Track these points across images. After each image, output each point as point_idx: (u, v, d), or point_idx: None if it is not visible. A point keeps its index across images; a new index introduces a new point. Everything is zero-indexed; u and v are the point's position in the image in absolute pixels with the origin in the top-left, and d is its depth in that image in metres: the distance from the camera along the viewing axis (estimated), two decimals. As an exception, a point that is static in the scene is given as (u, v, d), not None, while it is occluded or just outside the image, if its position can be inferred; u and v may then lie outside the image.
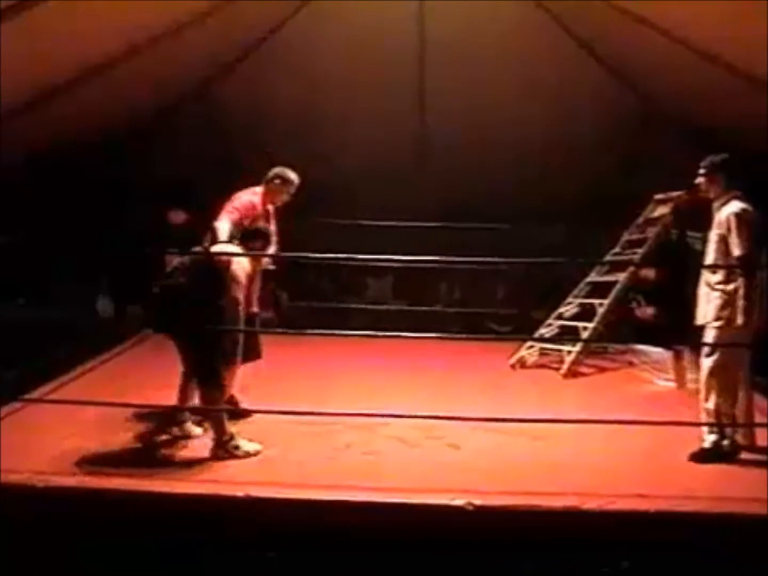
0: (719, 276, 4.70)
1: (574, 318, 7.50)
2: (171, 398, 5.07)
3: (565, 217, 8.48)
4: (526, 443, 4.99)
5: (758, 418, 5.07)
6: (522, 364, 7.34)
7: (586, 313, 7.42)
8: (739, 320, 4.59)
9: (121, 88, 7.28)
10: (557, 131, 8.87)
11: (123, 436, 5.01)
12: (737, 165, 4.80)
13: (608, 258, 7.78)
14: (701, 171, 4.85)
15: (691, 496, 4.16)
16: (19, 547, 4.05)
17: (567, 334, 7.39)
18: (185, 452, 4.79)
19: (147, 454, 4.74)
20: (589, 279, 7.82)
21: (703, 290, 4.81)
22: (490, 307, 8.95)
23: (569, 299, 7.74)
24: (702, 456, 4.70)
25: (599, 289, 7.60)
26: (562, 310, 7.67)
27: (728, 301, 4.64)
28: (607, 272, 7.77)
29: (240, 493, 4.12)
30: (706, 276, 4.79)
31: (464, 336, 7.91)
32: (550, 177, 8.96)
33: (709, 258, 4.79)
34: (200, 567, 4.10)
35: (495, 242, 7.93)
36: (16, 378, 5.96)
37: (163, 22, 6.71)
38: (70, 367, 6.63)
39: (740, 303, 4.57)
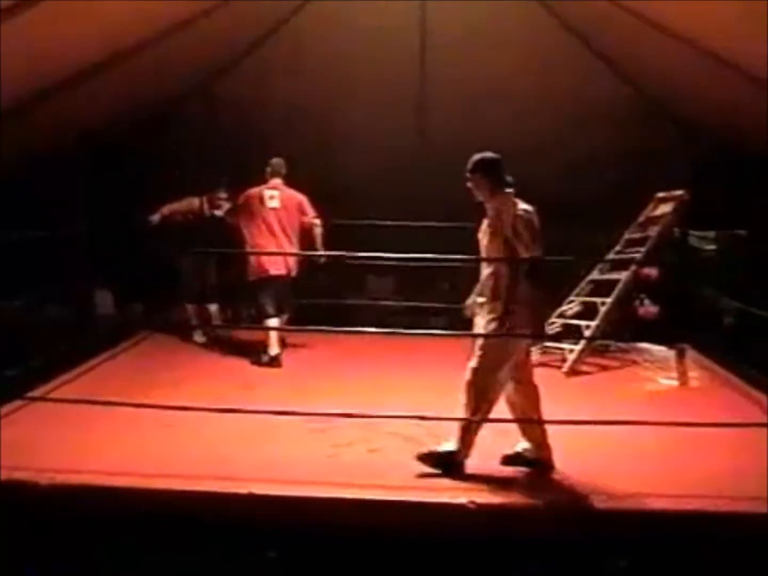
0: (490, 280, 4.56)
1: (576, 316, 7.50)
2: (173, 396, 5.07)
3: (566, 214, 8.46)
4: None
5: (759, 417, 5.07)
6: (524, 362, 7.31)
7: (588, 311, 7.41)
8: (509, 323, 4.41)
9: (122, 87, 7.28)
10: (558, 130, 8.86)
11: (126, 434, 5.02)
12: (500, 163, 4.59)
13: (610, 257, 7.77)
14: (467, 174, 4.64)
15: (692, 494, 4.15)
16: (23, 544, 4.06)
17: (569, 333, 7.38)
18: (188, 450, 4.80)
19: (150, 452, 4.75)
20: (591, 277, 7.81)
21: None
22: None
23: (571, 297, 7.74)
24: (428, 458, 4.48)
25: (601, 288, 7.59)
26: (564, 308, 7.66)
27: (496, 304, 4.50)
28: (609, 271, 7.77)
29: (243, 491, 4.13)
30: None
31: (466, 333, 7.89)
32: (551, 175, 8.94)
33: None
34: (202, 565, 4.11)
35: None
36: (19, 376, 5.96)
37: (164, 20, 6.70)
38: (72, 366, 6.64)
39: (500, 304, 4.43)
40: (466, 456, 4.48)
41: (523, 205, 4.54)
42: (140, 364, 7.12)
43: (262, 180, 7.29)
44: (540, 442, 4.60)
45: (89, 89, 6.83)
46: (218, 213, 7.87)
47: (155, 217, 7.88)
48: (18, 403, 5.36)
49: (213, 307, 8.16)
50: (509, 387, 4.57)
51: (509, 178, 4.60)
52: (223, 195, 7.90)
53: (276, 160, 7.33)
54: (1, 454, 4.31)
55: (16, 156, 7.15)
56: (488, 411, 4.49)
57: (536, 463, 4.59)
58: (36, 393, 5.71)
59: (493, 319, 4.49)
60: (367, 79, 8.70)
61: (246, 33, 8.57)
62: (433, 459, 4.48)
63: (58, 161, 7.74)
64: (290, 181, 7.42)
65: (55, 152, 7.67)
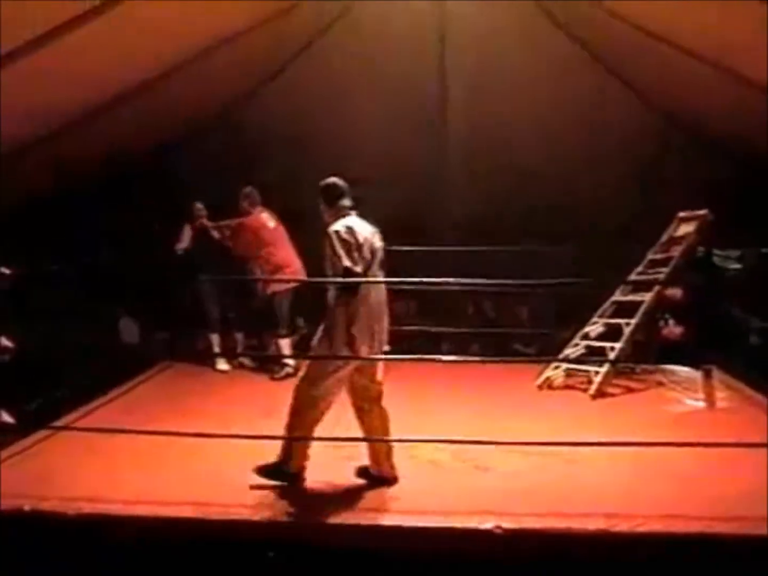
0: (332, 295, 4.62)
1: (599, 338, 7.43)
2: (197, 425, 5.08)
3: (587, 235, 8.44)
4: (555, 465, 4.93)
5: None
6: (549, 385, 7.28)
7: (611, 332, 7.34)
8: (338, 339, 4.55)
9: (143, 116, 7.37)
10: (579, 150, 8.86)
11: (150, 463, 5.02)
12: (334, 188, 4.78)
13: (633, 277, 7.71)
14: None
15: (724, 517, 4.08)
16: (49, 573, 4.07)
17: (593, 354, 7.32)
18: (215, 477, 4.79)
19: (174, 481, 4.74)
20: (614, 298, 7.74)
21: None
22: (515, 328, 8.91)
23: (594, 319, 7.67)
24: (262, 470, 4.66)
25: (624, 309, 7.52)
26: (587, 329, 7.60)
27: (331, 320, 4.60)
28: (632, 291, 7.70)
29: (265, 518, 4.14)
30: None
31: (490, 359, 7.87)
32: (569, 196, 8.92)
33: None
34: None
35: (518, 263, 7.91)
36: (44, 406, 6.00)
37: (187, 49, 6.79)
38: (96, 395, 6.67)
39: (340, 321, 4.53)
40: (300, 468, 4.63)
41: (343, 222, 4.62)
42: (164, 392, 7.14)
43: (242, 208, 7.79)
44: (382, 461, 4.71)
45: (109, 120, 6.92)
46: (214, 232, 8.01)
47: (181, 246, 7.98)
48: (43, 432, 5.39)
49: (239, 336, 8.20)
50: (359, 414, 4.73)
51: (346, 202, 4.75)
52: (199, 206, 8.08)
53: (251, 189, 7.80)
54: (28, 484, 4.34)
55: (40, 184, 7.26)
56: (311, 423, 4.59)
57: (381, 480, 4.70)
58: (61, 422, 5.74)
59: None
60: (386, 105, 8.76)
61: (267, 60, 8.67)
62: (263, 471, 4.64)
63: (82, 189, 7.83)
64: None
65: (77, 181, 7.77)
